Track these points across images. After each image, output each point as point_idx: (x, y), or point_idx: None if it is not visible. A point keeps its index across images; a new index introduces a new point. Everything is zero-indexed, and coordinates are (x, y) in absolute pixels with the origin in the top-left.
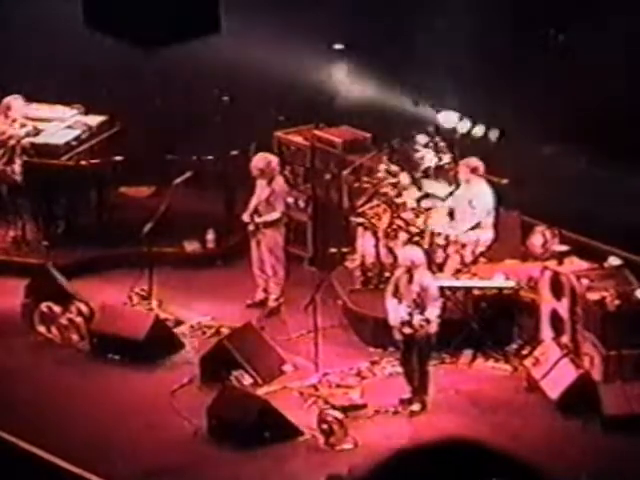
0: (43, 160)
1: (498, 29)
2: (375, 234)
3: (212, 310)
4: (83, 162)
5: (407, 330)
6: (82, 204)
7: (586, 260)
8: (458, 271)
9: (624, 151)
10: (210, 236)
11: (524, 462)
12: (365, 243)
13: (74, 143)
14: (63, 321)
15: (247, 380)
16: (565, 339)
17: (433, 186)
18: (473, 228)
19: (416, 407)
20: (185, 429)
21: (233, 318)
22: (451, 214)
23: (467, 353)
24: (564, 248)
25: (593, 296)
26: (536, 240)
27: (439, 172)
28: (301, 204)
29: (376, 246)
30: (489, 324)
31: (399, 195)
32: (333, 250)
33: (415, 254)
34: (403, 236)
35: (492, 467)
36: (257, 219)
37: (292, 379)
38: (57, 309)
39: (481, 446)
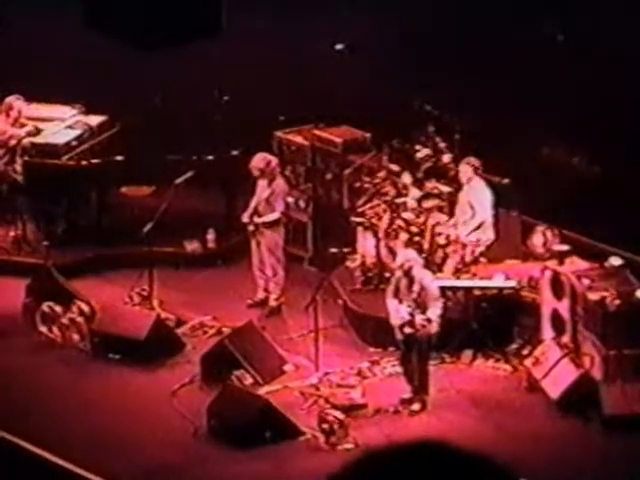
0: (44, 160)
1: (497, 28)
2: (376, 234)
3: (213, 310)
4: (83, 162)
5: (408, 330)
6: (82, 204)
7: (586, 260)
8: (458, 271)
9: (624, 151)
10: (210, 236)
11: (496, 465)
12: (366, 243)
13: (74, 143)
14: (64, 321)
15: (248, 380)
16: (565, 339)
17: (433, 186)
18: (475, 229)
19: (416, 407)
20: (185, 429)
21: (234, 318)
22: (451, 214)
23: (467, 353)
24: (564, 248)
25: (594, 296)
26: (536, 240)
27: (439, 172)
28: (301, 204)
29: (377, 246)
30: (489, 324)
31: (399, 195)
32: (333, 250)
33: (409, 255)
34: (404, 236)
35: (463, 470)
36: (256, 219)
37: (293, 379)
38: (58, 309)
39: (452, 449)
